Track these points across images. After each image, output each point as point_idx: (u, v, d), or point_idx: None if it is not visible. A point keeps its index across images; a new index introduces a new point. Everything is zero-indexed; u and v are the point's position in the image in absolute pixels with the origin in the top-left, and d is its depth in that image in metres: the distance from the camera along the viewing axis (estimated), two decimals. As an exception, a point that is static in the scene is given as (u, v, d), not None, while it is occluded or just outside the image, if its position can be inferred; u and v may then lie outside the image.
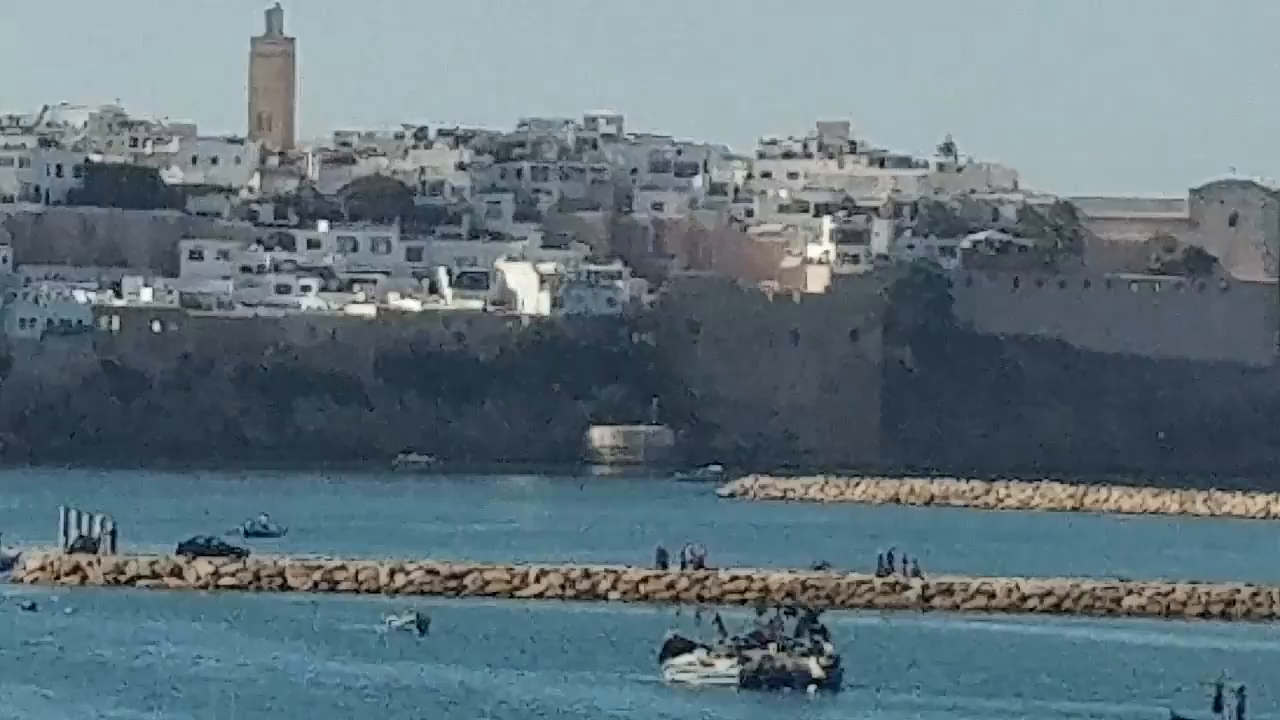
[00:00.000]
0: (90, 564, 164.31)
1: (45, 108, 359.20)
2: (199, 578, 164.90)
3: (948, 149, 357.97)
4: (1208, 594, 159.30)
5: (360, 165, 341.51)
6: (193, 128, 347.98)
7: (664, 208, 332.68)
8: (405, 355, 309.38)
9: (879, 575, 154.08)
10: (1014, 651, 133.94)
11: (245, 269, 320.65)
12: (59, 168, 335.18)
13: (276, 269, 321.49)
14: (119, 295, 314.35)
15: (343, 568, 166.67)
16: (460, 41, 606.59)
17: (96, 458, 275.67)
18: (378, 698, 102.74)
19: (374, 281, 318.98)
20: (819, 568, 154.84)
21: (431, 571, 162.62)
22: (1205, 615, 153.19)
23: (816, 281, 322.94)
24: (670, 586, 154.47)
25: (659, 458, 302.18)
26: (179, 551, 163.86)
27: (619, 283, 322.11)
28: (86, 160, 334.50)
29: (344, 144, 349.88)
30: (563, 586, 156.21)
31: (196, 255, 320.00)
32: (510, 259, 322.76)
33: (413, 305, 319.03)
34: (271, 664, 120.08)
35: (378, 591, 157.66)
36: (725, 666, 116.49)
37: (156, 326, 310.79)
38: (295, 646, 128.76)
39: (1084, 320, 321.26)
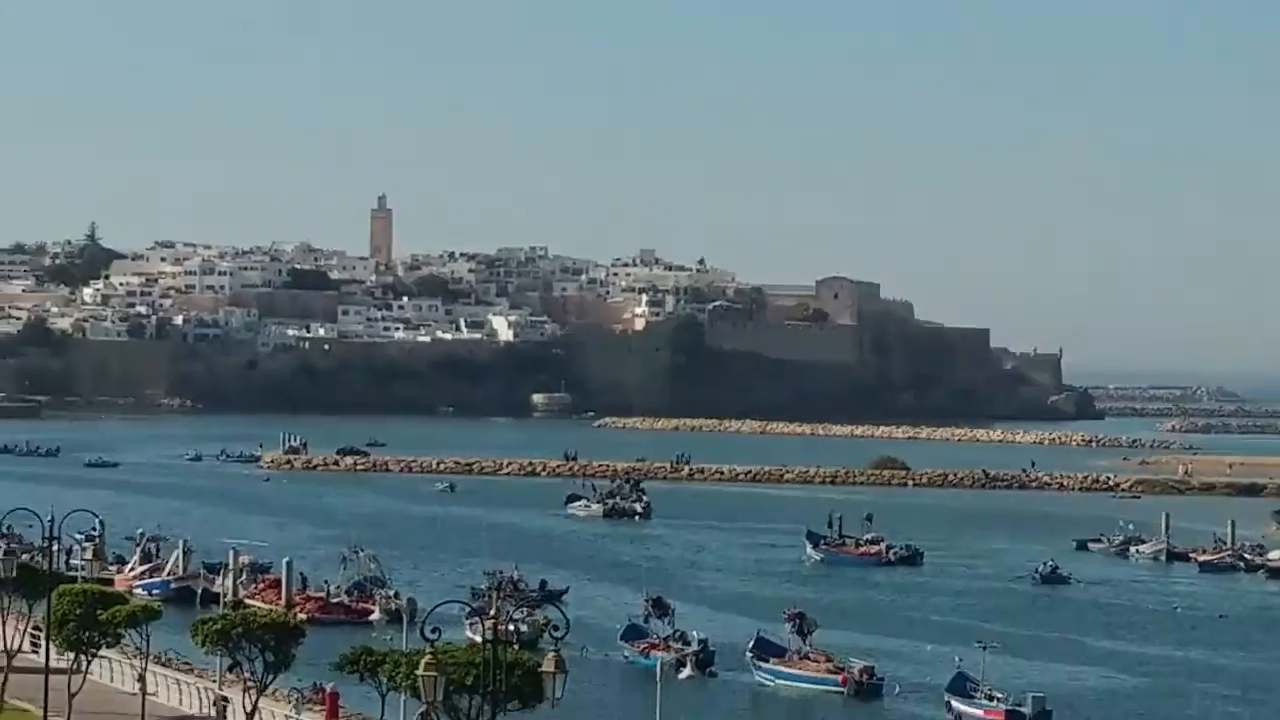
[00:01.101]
0: (295, 459, 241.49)
1: (273, 242, 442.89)
2: (346, 466, 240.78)
3: (701, 261, 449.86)
4: (822, 472, 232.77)
5: (421, 271, 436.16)
6: (344, 252, 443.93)
7: (567, 290, 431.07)
8: (444, 360, 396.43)
9: (672, 466, 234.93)
10: (737, 501, 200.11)
11: (369, 320, 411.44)
12: (280, 271, 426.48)
13: (383, 320, 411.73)
14: (309, 331, 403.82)
15: (415, 461, 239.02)
16: (459, 207, 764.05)
17: (295, 410, 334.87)
18: (431, 523, 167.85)
19: (430, 325, 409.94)
20: (678, 460, 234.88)
21: (458, 462, 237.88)
22: (825, 483, 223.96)
23: (640, 325, 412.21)
24: (570, 470, 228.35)
25: (564, 410, 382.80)
26: (338, 452, 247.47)
27: (546, 325, 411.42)
28: (294, 268, 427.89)
29: (414, 264, 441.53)
30: (520, 470, 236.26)
31: (345, 313, 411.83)
32: (494, 314, 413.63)
33: (446, 337, 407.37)
34: (380, 506, 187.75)
35: (432, 471, 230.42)
36: (595, 508, 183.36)
37: (327, 348, 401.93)
38: (392, 497, 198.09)
39: (768, 344, 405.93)
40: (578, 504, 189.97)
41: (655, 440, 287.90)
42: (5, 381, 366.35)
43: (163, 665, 77.70)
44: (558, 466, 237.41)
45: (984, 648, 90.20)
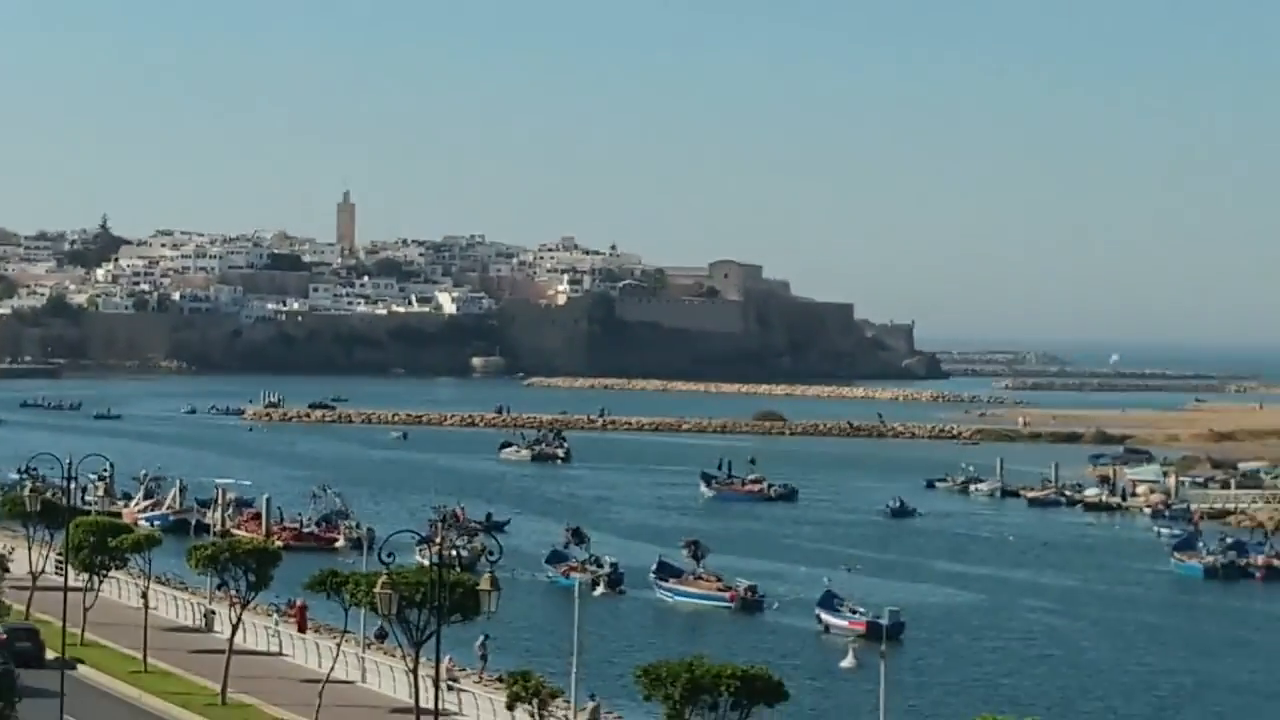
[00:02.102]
0: (273, 413, 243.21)
1: (254, 231, 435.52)
2: (316, 418, 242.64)
3: (613, 247, 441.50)
4: (714, 423, 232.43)
5: (379, 255, 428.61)
6: (314, 239, 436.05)
7: (501, 271, 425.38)
8: (398, 330, 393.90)
9: (593, 419, 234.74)
10: (642, 447, 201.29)
11: (335, 295, 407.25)
12: (261, 255, 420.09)
13: (347, 296, 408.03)
14: (285, 305, 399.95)
15: (374, 414, 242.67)
16: (411, 200, 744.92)
17: (273, 371, 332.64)
18: (387, 466, 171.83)
19: (386, 300, 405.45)
20: (601, 413, 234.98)
21: (409, 415, 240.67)
22: (716, 432, 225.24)
23: (562, 300, 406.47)
24: (503, 421, 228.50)
25: (498, 371, 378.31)
26: (309, 406, 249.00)
27: (483, 300, 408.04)
28: (272, 253, 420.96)
29: (373, 249, 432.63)
30: (461, 421, 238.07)
31: (315, 290, 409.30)
32: (440, 291, 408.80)
33: (400, 310, 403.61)
34: (345, 451, 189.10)
35: (388, 423, 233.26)
36: (525, 453, 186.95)
37: (300, 319, 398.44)
38: (354, 444, 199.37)
39: (668, 316, 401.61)
40: (509, 449, 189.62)
41: (574, 397, 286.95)
42: (30, 347, 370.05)
43: (161, 584, 78.11)
44: (492, 418, 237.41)
45: (848, 570, 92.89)
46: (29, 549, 79.83)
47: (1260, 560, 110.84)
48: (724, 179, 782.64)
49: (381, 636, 64.03)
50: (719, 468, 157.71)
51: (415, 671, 50.72)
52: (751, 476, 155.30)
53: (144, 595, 71.38)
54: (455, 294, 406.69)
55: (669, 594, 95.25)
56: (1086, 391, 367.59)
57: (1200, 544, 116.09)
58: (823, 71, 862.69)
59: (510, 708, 50.73)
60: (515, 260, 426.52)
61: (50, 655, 60.32)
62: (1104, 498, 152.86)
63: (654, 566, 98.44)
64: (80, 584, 68.31)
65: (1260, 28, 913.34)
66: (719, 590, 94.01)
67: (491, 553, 57.25)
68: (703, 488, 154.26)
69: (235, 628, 63.68)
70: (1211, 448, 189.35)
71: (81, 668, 59.38)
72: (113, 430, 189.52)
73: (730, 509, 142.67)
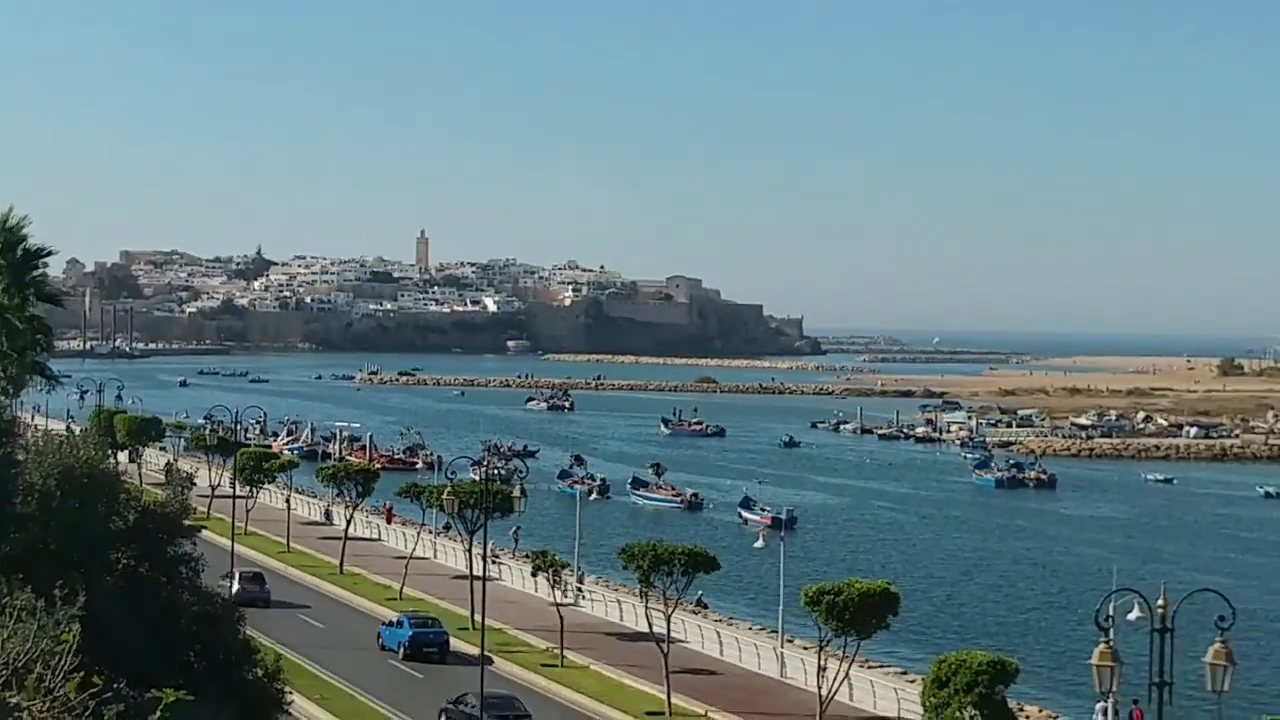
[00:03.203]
0: (373, 378, 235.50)
1: (361, 255, 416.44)
2: (402, 382, 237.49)
3: (601, 266, 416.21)
4: (669, 385, 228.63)
5: (445, 271, 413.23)
6: (400, 261, 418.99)
7: (527, 283, 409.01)
8: (458, 323, 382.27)
9: (588, 382, 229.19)
10: (623, 401, 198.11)
11: (415, 299, 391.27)
12: (365, 272, 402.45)
13: (423, 299, 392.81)
14: (381, 306, 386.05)
15: (440, 379, 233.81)
16: (467, 233, 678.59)
17: (374, 350, 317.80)
18: (450, 413, 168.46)
19: (450, 303, 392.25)
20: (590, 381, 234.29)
21: (465, 380, 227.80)
22: (670, 391, 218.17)
23: (568, 302, 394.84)
24: (528, 383, 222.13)
25: (525, 351, 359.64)
26: (398, 374, 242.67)
27: (515, 303, 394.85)
28: (372, 270, 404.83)
29: (441, 268, 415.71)
30: (500, 383, 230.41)
31: (401, 295, 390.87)
32: (486, 296, 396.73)
33: (460, 309, 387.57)
34: (421, 404, 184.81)
35: (450, 385, 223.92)
36: (542, 405, 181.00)
37: (391, 315, 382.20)
38: (428, 399, 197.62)
39: (640, 314, 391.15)
40: (532, 403, 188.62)
41: (576, 368, 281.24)
42: (211, 334, 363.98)
43: (298, 493, 77.60)
44: (520, 381, 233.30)
45: (759, 482, 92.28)
46: (208, 470, 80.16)
47: (1031, 475, 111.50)
48: (678, 222, 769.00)
49: (447, 527, 63.94)
50: (673, 414, 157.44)
51: (469, 550, 51.12)
52: (694, 420, 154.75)
53: (287, 500, 72.30)
54: (496, 298, 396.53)
55: (640, 499, 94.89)
56: (918, 363, 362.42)
57: (992, 464, 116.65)
58: (735, 116, 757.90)
59: (534, 575, 50.50)
60: (536, 275, 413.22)
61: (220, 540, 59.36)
62: (928, 434, 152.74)
63: (629, 480, 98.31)
64: (244, 493, 67.93)
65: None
66: (673, 496, 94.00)
67: (521, 471, 57.21)
68: (662, 427, 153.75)
69: (348, 523, 64.27)
70: (1000, 400, 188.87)
71: (239, 547, 58.85)
72: (264, 390, 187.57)
73: (680, 442, 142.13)
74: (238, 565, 54.39)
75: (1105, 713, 36.09)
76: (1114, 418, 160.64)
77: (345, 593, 56.92)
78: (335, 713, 38.49)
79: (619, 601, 52.05)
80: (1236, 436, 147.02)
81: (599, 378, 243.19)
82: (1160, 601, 21.77)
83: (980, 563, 74.43)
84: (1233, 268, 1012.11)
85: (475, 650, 42.07)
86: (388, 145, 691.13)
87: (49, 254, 37.43)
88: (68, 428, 70.32)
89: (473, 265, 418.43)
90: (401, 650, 45.70)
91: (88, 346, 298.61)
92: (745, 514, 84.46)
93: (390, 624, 47.56)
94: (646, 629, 42.30)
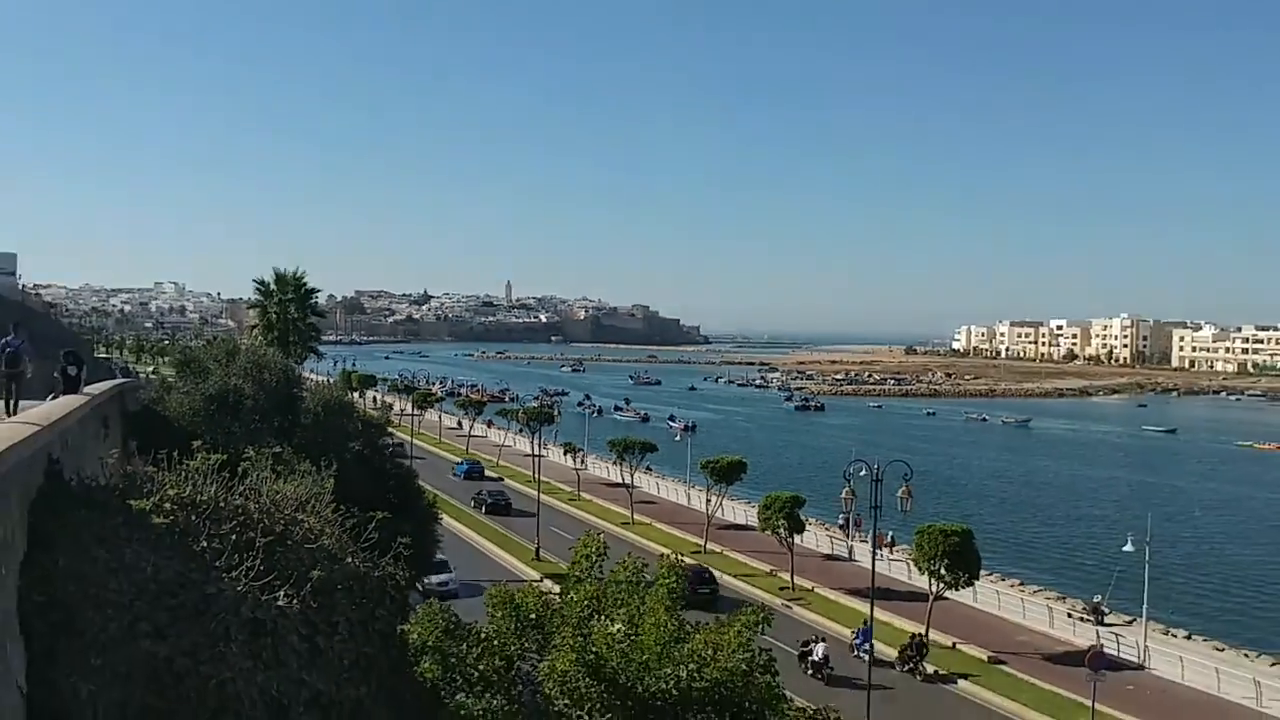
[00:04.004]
0: (484, 355, 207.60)
1: (479, 292, 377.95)
2: (499, 357, 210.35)
3: (599, 299, 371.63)
4: (636, 361, 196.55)
5: (519, 303, 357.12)
6: (496, 296, 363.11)
7: (561, 307, 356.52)
8: (529, 329, 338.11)
9: (594, 359, 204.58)
10: (612, 368, 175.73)
11: (503, 318, 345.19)
12: (478, 300, 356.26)
13: (508, 319, 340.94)
14: (484, 319, 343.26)
15: (515, 355, 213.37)
16: (531, 278, 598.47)
17: (480, 341, 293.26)
18: (522, 373, 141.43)
19: (523, 320, 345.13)
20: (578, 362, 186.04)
21: (532, 356, 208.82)
22: (634, 362, 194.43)
23: (582, 317, 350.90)
24: (563, 360, 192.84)
25: (560, 343, 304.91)
26: (496, 353, 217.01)
27: (557, 320, 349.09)
28: (481, 301, 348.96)
29: (518, 302, 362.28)
30: (548, 359, 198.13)
31: (494, 314, 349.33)
32: (542, 316, 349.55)
33: (530, 320, 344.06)
34: (508, 369, 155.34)
35: (519, 359, 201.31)
36: (569, 370, 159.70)
37: (488, 325, 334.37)
38: (511, 366, 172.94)
39: (621, 324, 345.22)
40: (565, 368, 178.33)
41: (587, 349, 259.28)
42: (400, 333, 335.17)
43: (445, 414, 73.11)
44: (556, 357, 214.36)
45: (676, 408, 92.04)
46: (398, 402, 73.82)
47: (813, 404, 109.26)
48: (649, 271, 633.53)
49: (519, 431, 60.60)
50: (634, 376, 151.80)
51: (531, 442, 50.85)
52: (645, 375, 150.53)
53: (439, 417, 68.28)
54: (545, 315, 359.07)
55: (619, 416, 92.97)
56: (757, 348, 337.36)
57: (794, 398, 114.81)
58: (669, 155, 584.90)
59: (565, 454, 51.35)
60: (566, 304, 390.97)
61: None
62: (762, 383, 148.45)
63: (614, 406, 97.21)
64: (416, 414, 63.37)
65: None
66: (635, 415, 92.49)
67: (559, 400, 57.46)
68: (630, 381, 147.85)
69: (470, 426, 61.66)
70: (797, 366, 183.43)
71: (416, 441, 53.90)
72: (427, 361, 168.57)
73: (639, 391, 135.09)
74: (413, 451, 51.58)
75: (847, 521, 37.33)
76: (852, 375, 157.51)
77: (456, 457, 55.47)
78: (451, 516, 37.33)
79: (607, 467, 50.70)
80: (914, 385, 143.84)
81: (598, 355, 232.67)
82: (876, 466, 21.76)
83: (785, 447, 73.30)
84: (917, 302, 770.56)
85: (533, 492, 40.94)
86: (483, 220, 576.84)
87: (316, 290, 38.25)
88: (327, 379, 67.72)
89: (536, 298, 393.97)
90: (462, 475, 47.35)
91: (336, 339, 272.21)
92: (671, 423, 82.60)
93: (459, 464, 48.92)
94: (619, 481, 44.16)
